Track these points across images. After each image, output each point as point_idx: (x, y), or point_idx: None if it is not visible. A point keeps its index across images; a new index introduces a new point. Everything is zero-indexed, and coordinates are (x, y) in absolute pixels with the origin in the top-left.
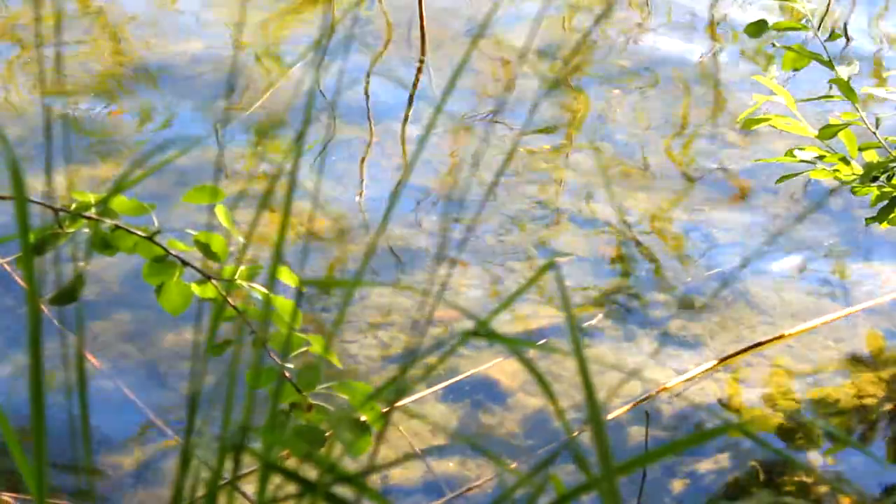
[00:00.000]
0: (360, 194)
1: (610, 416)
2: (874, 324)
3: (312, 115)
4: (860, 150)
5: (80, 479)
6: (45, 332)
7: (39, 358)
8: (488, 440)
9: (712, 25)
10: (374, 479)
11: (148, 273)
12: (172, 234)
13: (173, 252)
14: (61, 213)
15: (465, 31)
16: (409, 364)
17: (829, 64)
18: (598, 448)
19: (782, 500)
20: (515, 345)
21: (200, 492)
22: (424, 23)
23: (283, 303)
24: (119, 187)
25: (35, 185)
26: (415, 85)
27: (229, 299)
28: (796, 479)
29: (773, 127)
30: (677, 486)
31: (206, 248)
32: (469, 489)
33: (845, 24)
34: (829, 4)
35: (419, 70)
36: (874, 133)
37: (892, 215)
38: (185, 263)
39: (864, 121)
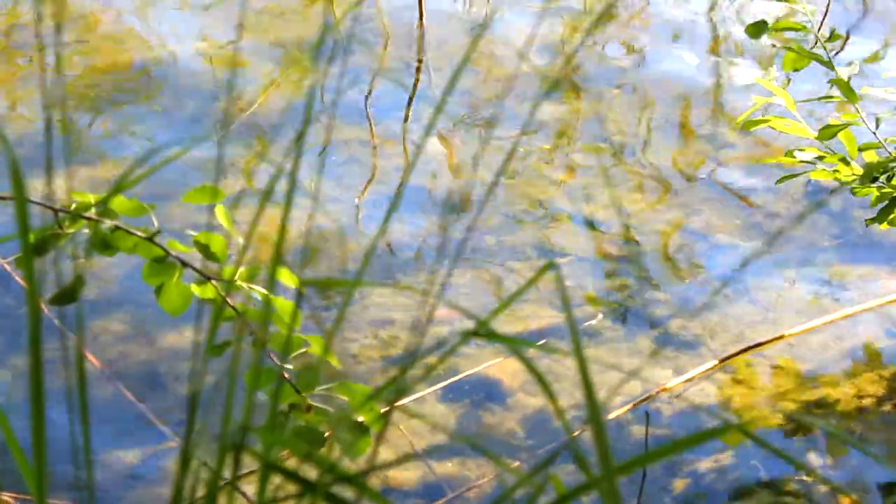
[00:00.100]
0: (364, 194)
1: (610, 416)
2: (874, 324)
3: (312, 116)
4: (860, 150)
5: (80, 479)
6: (45, 332)
7: (39, 358)
8: (489, 440)
9: (712, 24)
10: (375, 480)
11: (148, 274)
12: (172, 234)
13: (173, 253)
14: (61, 214)
15: (465, 32)
16: (410, 364)
17: (829, 64)
18: (598, 448)
19: (782, 501)
20: (515, 345)
21: (200, 492)
22: (424, 22)
23: (283, 304)
24: (119, 187)
25: (35, 185)
26: (415, 85)
27: (229, 300)
28: (796, 479)
29: (773, 128)
30: (677, 485)
31: (205, 249)
32: (469, 489)
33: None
34: (828, 5)
35: (419, 70)
36: (874, 133)
37: (891, 216)
38: (184, 264)
39: (864, 121)
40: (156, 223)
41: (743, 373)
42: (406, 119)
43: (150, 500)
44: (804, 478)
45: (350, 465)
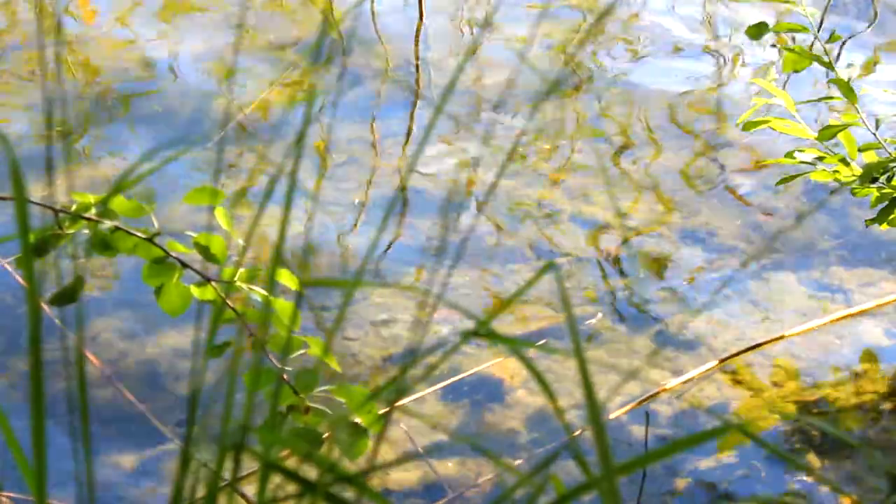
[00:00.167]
0: (366, 195)
1: (610, 417)
2: (874, 324)
3: (312, 116)
4: (860, 150)
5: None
6: (45, 332)
7: (39, 358)
8: (490, 438)
9: (710, 21)
10: (375, 479)
11: (147, 274)
12: (172, 235)
13: (173, 254)
14: (61, 214)
15: (465, 32)
16: (410, 363)
17: (829, 65)
18: (598, 448)
19: (782, 500)
20: (515, 345)
21: (200, 492)
22: (424, 22)
23: (283, 305)
24: (119, 188)
25: (35, 186)
26: (417, 84)
27: (229, 301)
28: (796, 479)
29: (773, 129)
30: (678, 485)
31: (205, 251)
32: (469, 489)
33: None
34: (826, 6)
35: (418, 69)
36: (874, 134)
37: (891, 216)
38: (184, 265)
39: (864, 122)
40: (156, 224)
41: (743, 373)
42: (412, 118)
43: (149, 500)
44: (804, 478)
45: (350, 465)
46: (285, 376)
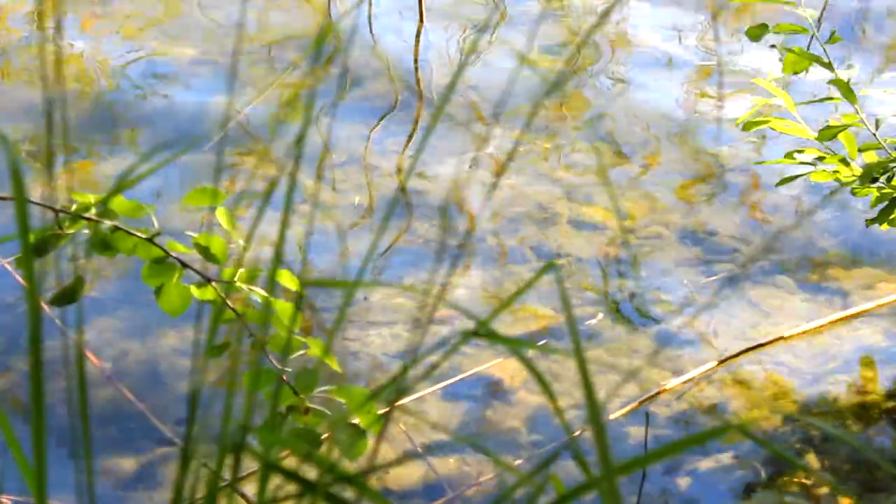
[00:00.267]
0: (370, 196)
1: (610, 417)
2: (874, 324)
3: (312, 117)
4: (860, 151)
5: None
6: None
7: (39, 358)
8: (490, 438)
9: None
10: (375, 479)
11: (147, 274)
12: (172, 235)
13: (173, 254)
14: (61, 214)
15: (465, 32)
16: (411, 363)
17: (829, 66)
18: (598, 448)
19: (782, 500)
20: (515, 345)
21: (200, 492)
22: (423, 23)
23: (283, 305)
24: (119, 188)
25: (35, 185)
26: (417, 84)
27: (229, 301)
28: (796, 479)
29: (773, 129)
30: (678, 485)
31: (205, 251)
32: (470, 488)
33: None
34: (825, 6)
35: (417, 69)
36: (874, 134)
37: (892, 216)
38: (184, 265)
39: (864, 122)
40: (156, 224)
41: (743, 373)
42: (417, 121)
43: (149, 500)
44: (804, 478)
45: (350, 465)
46: (285, 377)
